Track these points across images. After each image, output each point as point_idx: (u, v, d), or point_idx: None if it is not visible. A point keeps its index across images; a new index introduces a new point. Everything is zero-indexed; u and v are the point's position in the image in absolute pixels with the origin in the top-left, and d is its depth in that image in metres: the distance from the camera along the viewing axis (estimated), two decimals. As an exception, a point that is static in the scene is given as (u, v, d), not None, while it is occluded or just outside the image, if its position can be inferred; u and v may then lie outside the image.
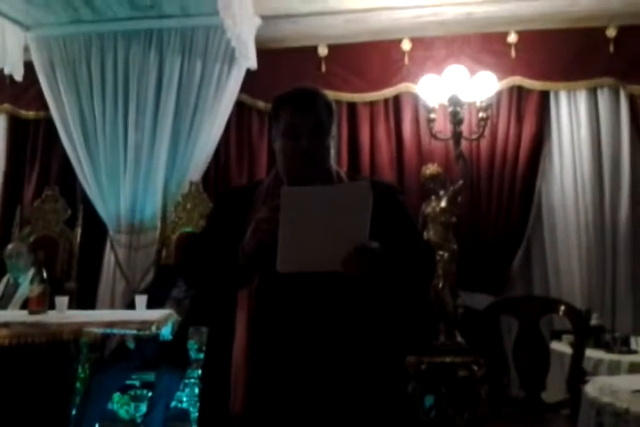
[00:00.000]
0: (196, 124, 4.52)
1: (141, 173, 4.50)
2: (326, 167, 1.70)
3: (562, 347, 3.33)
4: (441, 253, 3.88)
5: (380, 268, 1.49)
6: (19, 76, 4.50)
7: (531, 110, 4.51)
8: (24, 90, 4.82)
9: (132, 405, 3.48)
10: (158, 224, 4.51)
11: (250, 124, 4.76)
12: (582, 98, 4.51)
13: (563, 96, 4.54)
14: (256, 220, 1.53)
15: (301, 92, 1.71)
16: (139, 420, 3.48)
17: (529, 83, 4.52)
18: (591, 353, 3.07)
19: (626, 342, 3.22)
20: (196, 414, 3.48)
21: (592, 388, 2.09)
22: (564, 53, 4.48)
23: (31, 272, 3.65)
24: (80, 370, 3.58)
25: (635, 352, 3.14)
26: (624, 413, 1.85)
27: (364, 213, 1.46)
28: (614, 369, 3.00)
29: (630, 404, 1.87)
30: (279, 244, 1.45)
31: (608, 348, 3.20)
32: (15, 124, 4.95)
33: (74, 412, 3.41)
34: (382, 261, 1.49)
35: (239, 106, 4.69)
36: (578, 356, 2.84)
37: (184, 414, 3.59)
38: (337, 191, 1.53)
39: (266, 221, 1.50)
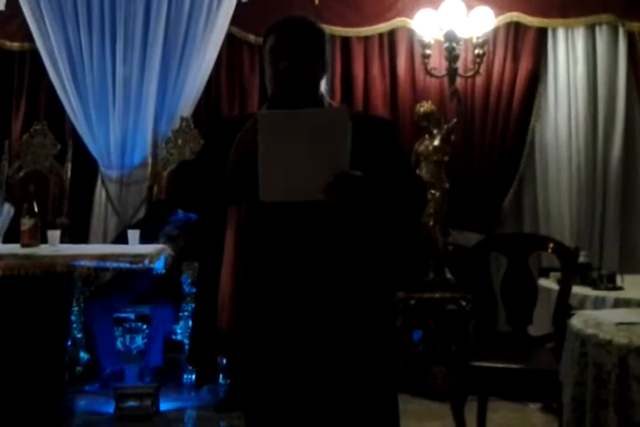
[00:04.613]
0: (185, 58, 4.42)
1: (131, 107, 4.43)
2: (313, 94, 1.67)
3: (549, 284, 3.38)
4: (433, 191, 3.89)
5: (363, 197, 1.48)
6: (1, 5, 4.35)
7: (527, 47, 4.44)
8: (7, 19, 4.63)
9: (128, 337, 3.56)
10: (149, 160, 4.48)
11: (241, 58, 4.64)
12: (580, 35, 4.44)
13: (560, 33, 4.46)
14: (242, 130, 1.53)
15: (287, 19, 1.68)
16: (134, 351, 3.57)
17: (527, 19, 4.42)
18: (577, 290, 3.12)
19: (612, 279, 3.26)
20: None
21: (577, 320, 2.15)
22: (563, -12, 4.38)
23: (5, 208, 3.61)
24: (74, 303, 3.64)
25: (620, 289, 3.20)
26: (607, 343, 1.91)
27: (344, 139, 1.43)
28: (599, 305, 3.05)
29: (613, 335, 1.93)
30: (260, 172, 1.43)
31: (594, 285, 3.24)
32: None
33: (69, 344, 3.49)
34: (365, 190, 1.47)
35: (230, 39, 4.57)
36: (564, 292, 2.90)
37: (179, 345, 3.69)
38: (314, 115, 1.48)
39: (250, 130, 1.49)
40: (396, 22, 4.50)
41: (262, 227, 1.59)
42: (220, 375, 3.31)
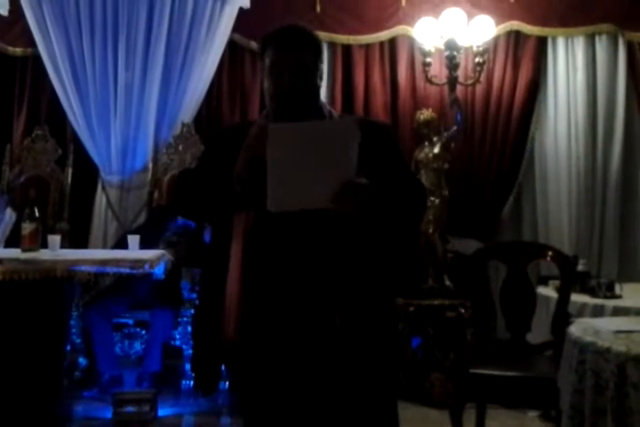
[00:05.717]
0: (187, 64, 4.44)
1: (132, 113, 4.44)
2: (315, 106, 1.68)
3: (548, 291, 3.39)
4: (432, 199, 3.90)
5: (370, 204, 1.50)
6: (4, 11, 4.36)
7: (528, 56, 4.46)
8: (10, 25, 4.65)
9: (126, 342, 3.57)
10: (150, 166, 4.49)
11: (243, 64, 4.66)
12: (580, 44, 4.46)
13: (560, 42, 4.48)
14: (248, 137, 1.54)
15: (286, 30, 1.69)
16: (133, 357, 3.58)
17: (527, 28, 4.44)
18: (576, 298, 3.13)
19: (610, 287, 3.27)
20: (189, 351, 3.59)
21: (576, 328, 2.16)
22: (564, -2, 4.40)
23: (7, 213, 3.61)
24: (74, 308, 3.64)
25: (619, 297, 3.21)
26: (605, 351, 1.92)
27: (351, 148, 1.47)
28: (598, 313, 3.06)
29: (612, 343, 1.94)
30: (268, 183, 1.45)
31: (593, 293, 3.25)
32: (2, 61, 4.82)
33: (68, 349, 3.49)
34: (371, 197, 1.50)
35: (232, 46, 4.59)
36: (563, 300, 2.90)
37: (177, 351, 3.68)
38: (323, 127, 1.53)
39: (257, 137, 1.50)
40: (397, 30, 4.52)
41: (269, 236, 1.60)
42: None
